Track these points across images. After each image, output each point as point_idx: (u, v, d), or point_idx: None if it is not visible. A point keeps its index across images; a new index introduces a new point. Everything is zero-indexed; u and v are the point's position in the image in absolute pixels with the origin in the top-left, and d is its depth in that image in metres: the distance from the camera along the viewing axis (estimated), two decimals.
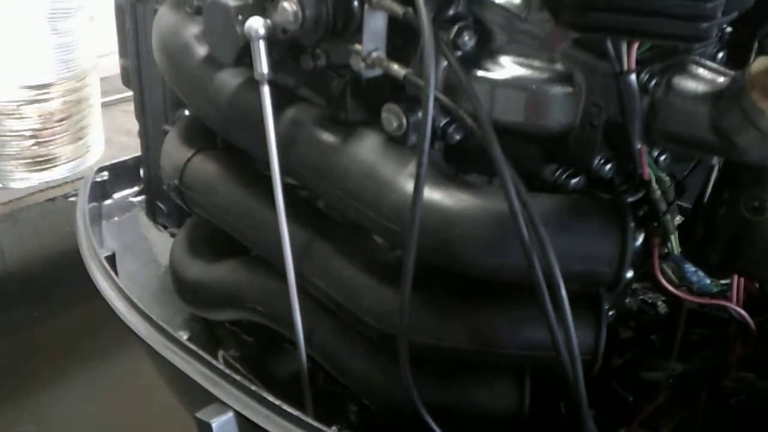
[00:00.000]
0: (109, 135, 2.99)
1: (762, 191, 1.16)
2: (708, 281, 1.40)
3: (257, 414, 1.16)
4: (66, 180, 2.84)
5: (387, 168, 1.13)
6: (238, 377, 1.22)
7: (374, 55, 1.10)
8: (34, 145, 2.70)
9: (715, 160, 1.24)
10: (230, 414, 1.18)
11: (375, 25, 1.09)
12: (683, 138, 1.06)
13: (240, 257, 1.50)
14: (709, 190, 1.27)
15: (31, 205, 2.80)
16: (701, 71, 1.03)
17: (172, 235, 1.89)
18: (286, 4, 1.11)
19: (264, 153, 1.21)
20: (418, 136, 1.03)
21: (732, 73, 1.01)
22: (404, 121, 1.13)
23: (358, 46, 1.11)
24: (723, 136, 0.99)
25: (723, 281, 1.42)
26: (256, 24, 1.14)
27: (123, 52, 1.80)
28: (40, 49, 2.65)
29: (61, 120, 2.73)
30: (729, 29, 1.15)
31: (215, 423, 1.16)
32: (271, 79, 1.18)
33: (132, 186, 2.06)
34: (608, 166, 1.11)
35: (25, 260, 2.68)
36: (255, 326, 1.61)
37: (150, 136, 1.79)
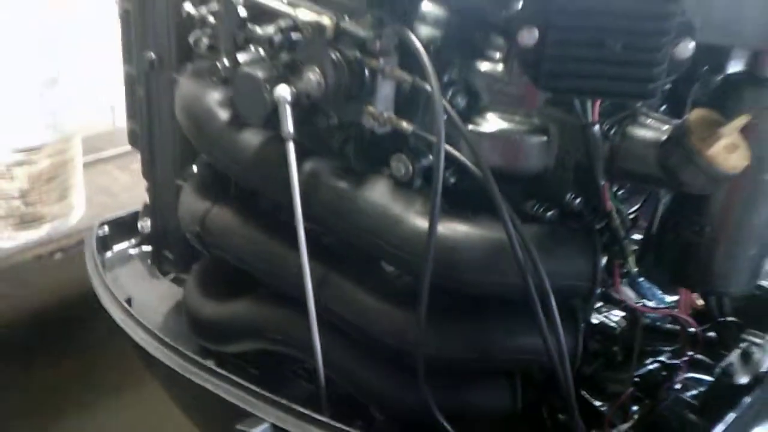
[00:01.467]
0: (88, 194, 3.11)
1: (701, 217, 1.37)
2: (660, 296, 1.64)
3: (289, 423, 1.35)
4: (51, 239, 2.95)
5: (398, 207, 1.33)
6: (269, 394, 1.39)
7: (386, 114, 1.31)
8: (22, 204, 2.81)
9: (663, 193, 1.48)
10: (266, 425, 1.36)
11: (386, 90, 1.31)
12: (637, 175, 1.30)
13: (254, 293, 1.67)
14: (658, 218, 1.51)
15: (19, 263, 2.90)
16: (649, 121, 1.27)
17: (175, 280, 2.05)
18: (311, 75, 1.31)
19: (286, 200, 1.38)
20: (433, 180, 1.23)
21: (674, 121, 1.25)
22: (410, 168, 1.35)
23: (370, 108, 1.31)
24: (669, 172, 1.22)
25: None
26: (284, 92, 1.33)
27: (131, 114, 1.98)
28: (32, 113, 2.77)
29: (49, 180, 2.84)
30: (668, 87, 1.38)
31: None
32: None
33: (129, 239, 2.21)
34: (578, 201, 1.33)
35: (14, 317, 2.75)
36: (259, 358, 1.77)
37: (159, 191, 1.96)
